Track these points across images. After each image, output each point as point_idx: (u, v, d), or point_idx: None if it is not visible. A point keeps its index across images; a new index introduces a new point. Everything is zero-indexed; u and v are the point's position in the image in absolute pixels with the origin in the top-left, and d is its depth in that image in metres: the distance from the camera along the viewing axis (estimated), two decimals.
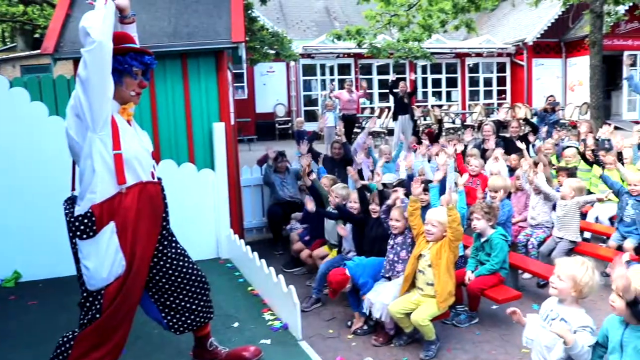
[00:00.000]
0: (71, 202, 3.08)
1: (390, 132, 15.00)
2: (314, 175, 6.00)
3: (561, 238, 5.56)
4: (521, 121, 9.72)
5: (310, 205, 5.50)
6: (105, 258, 2.95)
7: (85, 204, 2.93)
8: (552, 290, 2.95)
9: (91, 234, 2.93)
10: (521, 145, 6.90)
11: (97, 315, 2.99)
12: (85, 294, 3.03)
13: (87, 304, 3.02)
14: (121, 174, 2.96)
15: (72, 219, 2.95)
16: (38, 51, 17.47)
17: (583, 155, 7.26)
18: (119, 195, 2.98)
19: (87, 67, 2.80)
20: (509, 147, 8.36)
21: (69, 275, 4.93)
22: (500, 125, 12.41)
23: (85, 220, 2.92)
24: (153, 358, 3.91)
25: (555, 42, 21.59)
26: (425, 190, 5.49)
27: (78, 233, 2.94)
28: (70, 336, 3.05)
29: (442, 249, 4.15)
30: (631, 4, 17.16)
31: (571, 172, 6.58)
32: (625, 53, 20.00)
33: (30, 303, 5.03)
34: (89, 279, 2.98)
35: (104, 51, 2.80)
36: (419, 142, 9.02)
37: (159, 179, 3.29)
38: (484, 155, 7.88)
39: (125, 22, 3.21)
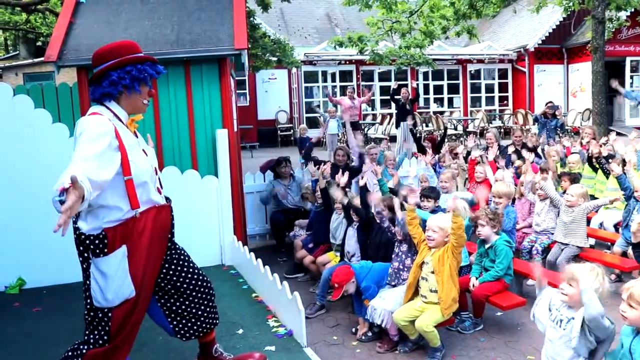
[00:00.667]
0: (77, 213, 3.05)
1: (393, 139, 15.01)
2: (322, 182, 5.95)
3: (567, 244, 5.54)
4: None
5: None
6: (113, 280, 2.94)
7: (96, 223, 2.91)
8: (562, 296, 2.93)
9: (101, 254, 2.93)
10: (528, 155, 6.92)
11: (106, 338, 2.99)
12: (89, 307, 3.02)
13: (94, 321, 3.02)
14: (134, 200, 2.96)
15: (83, 236, 2.93)
16: (41, 59, 17.56)
17: (589, 161, 7.24)
18: (133, 220, 2.98)
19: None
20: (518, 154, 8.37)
21: (73, 282, 4.96)
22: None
23: (97, 242, 2.91)
24: None
25: (557, 48, 21.62)
26: (428, 197, 5.51)
27: (89, 251, 2.93)
28: (79, 352, 3.03)
29: (444, 255, 4.13)
30: (633, 9, 17.19)
31: (575, 178, 6.56)
32: (628, 59, 20.03)
33: (34, 310, 5.03)
34: (95, 295, 2.97)
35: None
36: (423, 151, 9.04)
37: (167, 198, 3.29)
38: None
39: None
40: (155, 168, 3.23)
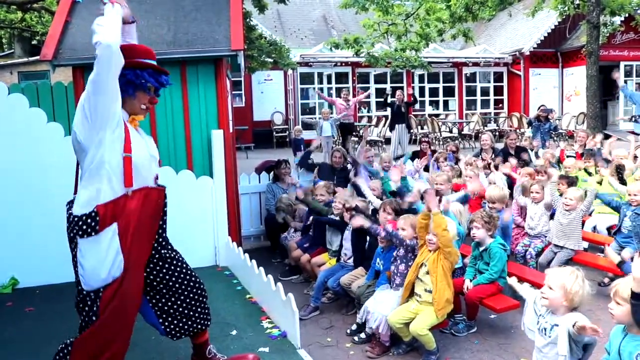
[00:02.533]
0: (73, 204, 3.08)
1: (387, 141, 15.03)
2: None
3: (561, 247, 5.55)
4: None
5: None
6: (105, 258, 2.95)
7: (89, 202, 2.93)
8: (544, 300, 2.95)
9: (93, 233, 2.93)
10: (534, 157, 6.97)
11: (94, 318, 2.97)
12: (81, 296, 3.01)
13: (85, 307, 3.01)
14: (129, 177, 2.98)
15: (76, 218, 2.94)
16: (36, 58, 17.49)
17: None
18: (125, 198, 2.99)
19: (97, 65, 2.84)
20: (507, 157, 8.41)
21: (66, 282, 4.92)
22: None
23: (89, 220, 2.92)
24: None
25: (552, 52, 21.71)
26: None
27: (80, 232, 2.93)
28: (69, 342, 3.04)
29: (438, 257, 4.17)
30: (627, 15, 17.29)
31: (571, 181, 6.59)
32: (622, 64, 20.14)
33: (27, 310, 5.00)
34: (85, 279, 2.97)
35: (113, 52, 2.84)
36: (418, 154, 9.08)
37: (162, 186, 3.31)
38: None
39: (126, 22, 3.23)
40: (155, 157, 3.27)
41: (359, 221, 4.77)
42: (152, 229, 3.21)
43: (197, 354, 3.67)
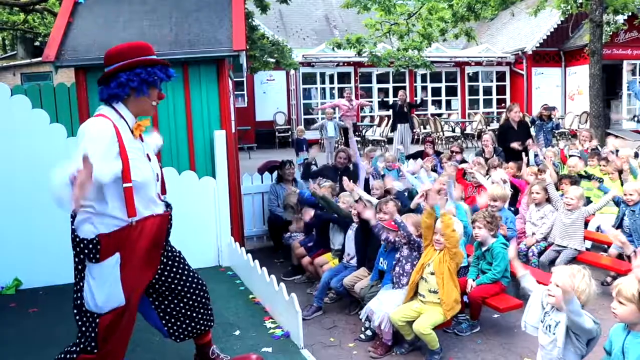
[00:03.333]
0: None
1: (390, 141, 15.02)
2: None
3: (564, 247, 5.54)
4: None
5: (308, 216, 5.56)
6: (104, 287, 2.94)
7: (91, 228, 2.90)
8: (550, 298, 2.94)
9: (94, 260, 2.92)
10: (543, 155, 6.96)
11: (93, 344, 2.97)
12: (78, 309, 3.00)
13: (84, 324, 3.00)
14: (132, 208, 2.93)
15: (78, 239, 2.92)
16: (39, 59, 17.53)
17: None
18: (128, 228, 2.96)
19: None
20: (508, 156, 8.40)
21: (70, 283, 4.90)
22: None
23: (91, 246, 2.90)
24: None
25: (554, 51, 21.67)
26: None
27: (82, 255, 2.93)
28: (69, 356, 3.02)
29: (444, 258, 4.15)
30: (630, 13, 17.24)
31: (574, 180, 6.57)
32: (625, 62, 20.09)
33: (30, 311, 5.01)
34: (86, 297, 2.96)
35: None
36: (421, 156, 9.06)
37: (167, 204, 3.26)
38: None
39: None
40: (158, 174, 3.20)
41: (369, 214, 4.75)
42: (156, 255, 3.19)
43: (200, 355, 3.67)
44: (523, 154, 8.27)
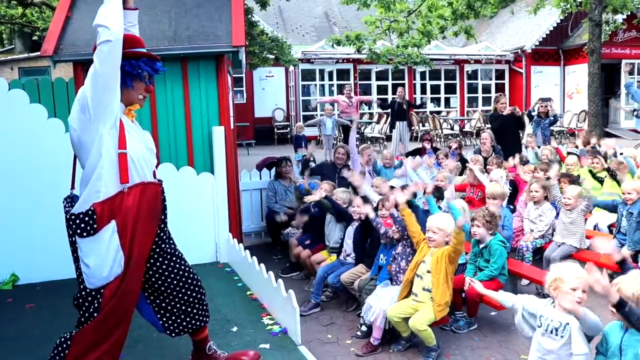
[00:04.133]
0: (70, 200, 3.07)
1: (389, 139, 15.02)
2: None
3: (563, 243, 5.57)
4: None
5: (301, 220, 5.65)
6: (106, 257, 2.95)
7: (87, 201, 2.92)
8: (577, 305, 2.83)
9: (92, 232, 2.92)
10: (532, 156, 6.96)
11: (95, 314, 2.98)
12: (84, 293, 3.01)
13: (86, 303, 3.01)
14: (125, 173, 2.96)
15: (73, 217, 2.94)
16: (37, 53, 17.48)
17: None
18: (121, 194, 2.97)
19: (103, 60, 2.82)
20: (512, 154, 8.40)
21: (67, 278, 4.95)
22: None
23: (87, 218, 2.91)
24: None
25: (553, 49, 21.67)
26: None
27: (78, 231, 2.93)
28: (68, 336, 3.04)
29: (443, 259, 4.12)
30: (629, 12, 17.25)
31: (573, 179, 6.58)
32: (623, 62, 20.10)
33: (27, 306, 5.01)
34: (88, 277, 2.97)
35: (120, 46, 2.86)
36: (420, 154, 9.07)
37: (159, 180, 3.29)
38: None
39: (128, 8, 3.21)
40: (153, 149, 3.24)
41: (367, 209, 4.74)
42: (152, 224, 3.19)
43: (197, 351, 3.67)
44: (524, 148, 8.30)
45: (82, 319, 3.02)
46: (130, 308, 3.15)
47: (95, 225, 2.92)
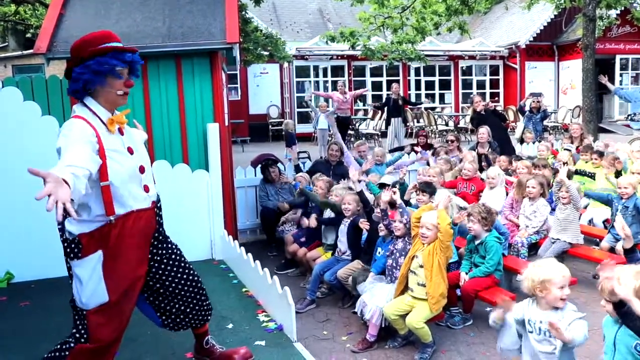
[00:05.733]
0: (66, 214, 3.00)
1: (384, 135, 15.02)
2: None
3: (558, 239, 5.58)
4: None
5: (313, 222, 5.66)
6: (87, 284, 2.93)
7: (77, 227, 2.89)
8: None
9: (76, 258, 2.92)
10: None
11: (86, 336, 2.98)
12: (74, 302, 3.02)
13: (77, 317, 3.02)
14: (110, 206, 2.89)
15: (63, 238, 2.94)
16: (30, 51, 17.38)
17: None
18: (108, 226, 2.92)
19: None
20: (503, 149, 8.43)
21: (61, 277, 4.89)
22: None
23: (73, 245, 2.91)
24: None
25: (548, 45, 21.69)
26: (423, 191, 5.50)
27: (68, 250, 2.94)
28: (69, 346, 3.02)
29: (434, 251, 4.14)
30: (623, 8, 17.28)
31: (569, 175, 6.59)
32: (617, 57, 20.15)
33: (22, 304, 5.00)
34: (75, 294, 2.99)
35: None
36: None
37: (154, 200, 3.19)
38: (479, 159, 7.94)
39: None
40: (143, 166, 3.10)
41: (386, 196, 4.65)
42: (144, 248, 3.16)
43: (198, 343, 3.70)
44: (520, 145, 8.31)
45: (75, 331, 3.02)
46: (123, 328, 3.15)
47: (80, 254, 2.90)
